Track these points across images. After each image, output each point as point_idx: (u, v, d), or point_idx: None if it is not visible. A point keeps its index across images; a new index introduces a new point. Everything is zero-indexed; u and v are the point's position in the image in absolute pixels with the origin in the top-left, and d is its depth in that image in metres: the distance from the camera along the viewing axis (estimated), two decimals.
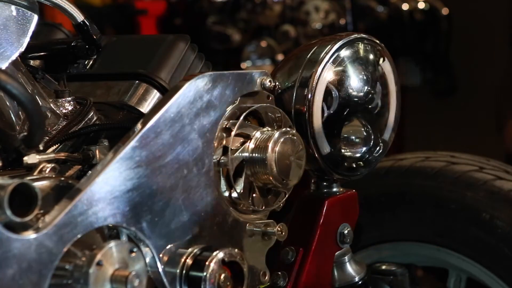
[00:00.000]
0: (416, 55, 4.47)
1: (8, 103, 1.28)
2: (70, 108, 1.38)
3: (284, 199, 1.39)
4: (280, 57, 4.19)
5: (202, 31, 4.38)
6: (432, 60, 4.53)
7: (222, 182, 1.30)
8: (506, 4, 4.31)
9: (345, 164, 1.47)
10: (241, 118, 1.31)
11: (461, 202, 1.73)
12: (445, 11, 4.38)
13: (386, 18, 4.33)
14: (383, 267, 1.63)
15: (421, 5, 4.37)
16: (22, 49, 1.27)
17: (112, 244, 1.10)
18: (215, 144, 1.28)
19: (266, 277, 1.37)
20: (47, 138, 1.30)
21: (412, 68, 4.46)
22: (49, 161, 1.20)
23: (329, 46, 1.42)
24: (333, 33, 2.11)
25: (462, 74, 4.59)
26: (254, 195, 1.33)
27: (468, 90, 4.61)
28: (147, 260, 1.18)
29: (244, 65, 4.21)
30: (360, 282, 1.57)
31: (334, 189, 1.52)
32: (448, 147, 2.13)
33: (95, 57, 1.41)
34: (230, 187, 1.30)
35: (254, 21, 4.36)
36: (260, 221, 1.35)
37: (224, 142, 1.29)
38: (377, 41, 1.49)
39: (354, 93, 1.45)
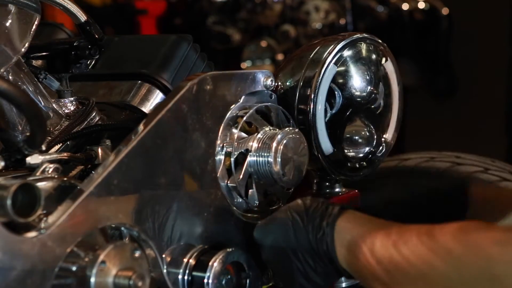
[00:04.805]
0: (416, 55, 4.47)
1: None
2: (72, 108, 1.38)
3: (286, 199, 1.39)
4: (280, 57, 4.18)
5: (202, 31, 4.37)
6: (432, 60, 4.52)
7: (225, 180, 1.30)
8: (506, 4, 4.31)
9: (348, 164, 1.47)
10: (244, 118, 1.30)
11: (466, 203, 1.73)
12: (445, 11, 4.37)
13: (386, 18, 4.32)
14: None
15: (421, 5, 4.36)
16: (25, 49, 1.27)
17: (115, 244, 1.10)
18: (218, 144, 1.28)
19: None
20: (50, 138, 1.30)
21: (412, 68, 4.45)
22: (51, 161, 1.20)
23: (332, 46, 1.42)
24: (333, 33, 2.10)
25: (462, 74, 4.58)
26: (255, 194, 1.33)
27: (468, 90, 4.60)
28: (150, 260, 1.18)
29: (244, 65, 4.21)
30: None
31: (337, 189, 1.51)
32: (448, 147, 2.12)
33: (97, 57, 1.40)
34: (233, 185, 1.30)
35: (254, 21, 4.36)
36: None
37: (227, 141, 1.29)
38: (380, 41, 1.49)
39: (357, 93, 1.45)
